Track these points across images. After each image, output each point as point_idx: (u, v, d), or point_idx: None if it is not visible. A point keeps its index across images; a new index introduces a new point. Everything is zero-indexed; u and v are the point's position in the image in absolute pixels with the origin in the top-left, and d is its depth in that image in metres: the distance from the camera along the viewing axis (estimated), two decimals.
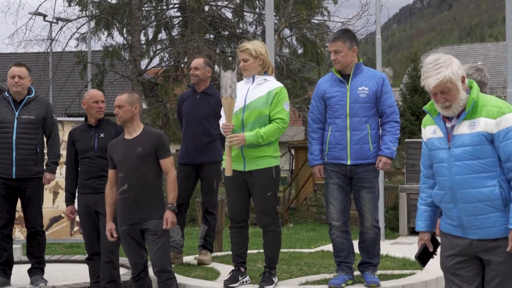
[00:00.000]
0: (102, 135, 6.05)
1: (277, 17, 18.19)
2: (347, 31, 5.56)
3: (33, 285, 6.40)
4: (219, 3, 21.17)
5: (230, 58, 20.71)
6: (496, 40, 51.59)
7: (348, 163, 5.32)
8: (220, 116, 5.68)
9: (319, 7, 20.59)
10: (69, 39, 20.26)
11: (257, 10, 21.46)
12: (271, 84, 5.35)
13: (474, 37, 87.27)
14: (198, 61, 6.37)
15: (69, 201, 6.31)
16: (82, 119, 7.11)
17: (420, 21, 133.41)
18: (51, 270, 7.56)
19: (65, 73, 19.76)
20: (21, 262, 7.83)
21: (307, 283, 5.56)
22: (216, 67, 17.34)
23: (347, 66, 5.25)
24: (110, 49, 20.34)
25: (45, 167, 6.64)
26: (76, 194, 6.46)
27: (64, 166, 8.55)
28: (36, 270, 6.56)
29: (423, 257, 3.95)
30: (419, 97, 18.59)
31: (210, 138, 6.10)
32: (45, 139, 6.77)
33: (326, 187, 5.63)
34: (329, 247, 6.79)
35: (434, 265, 6.72)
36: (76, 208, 6.54)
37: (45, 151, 6.73)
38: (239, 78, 5.54)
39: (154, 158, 5.38)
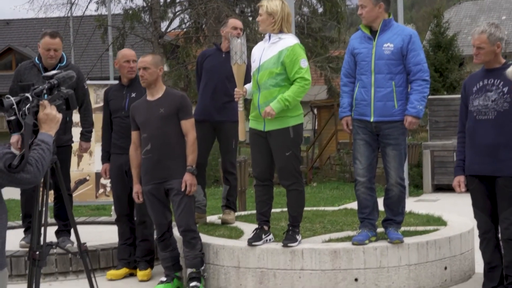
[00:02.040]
0: (133, 95, 6.12)
1: None
2: None
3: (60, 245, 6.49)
4: None
5: (250, 18, 20.75)
6: None
7: (371, 119, 5.35)
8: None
9: None
10: (89, 3, 20.77)
11: None
12: (284, 42, 5.38)
13: None
14: None
15: (104, 159, 6.46)
16: (104, 82, 7.16)
17: None
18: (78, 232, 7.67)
19: (86, 37, 20.15)
20: (48, 224, 7.97)
21: (330, 240, 5.65)
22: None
23: (374, 21, 5.25)
24: (130, 11, 20.73)
25: (80, 136, 6.73)
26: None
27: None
28: (63, 232, 6.75)
29: None
30: (442, 53, 18.45)
31: (229, 98, 6.12)
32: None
33: (353, 143, 5.69)
34: (353, 205, 6.84)
35: (458, 221, 6.82)
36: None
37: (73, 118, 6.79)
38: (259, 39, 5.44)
39: (176, 119, 5.53)
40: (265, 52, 5.38)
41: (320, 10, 21.75)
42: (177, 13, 22.16)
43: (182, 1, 22.38)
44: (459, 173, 5.24)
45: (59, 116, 3.14)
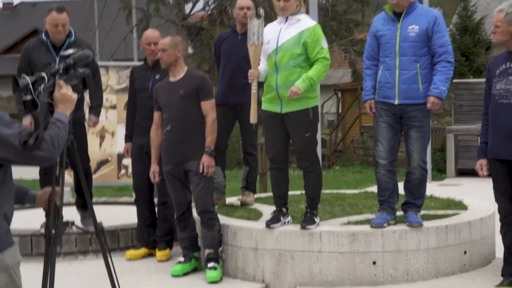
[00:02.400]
0: (157, 76, 6.23)
1: None
2: None
3: (81, 221, 6.64)
4: None
5: None
6: None
7: (396, 102, 5.40)
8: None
9: None
10: None
11: None
12: (303, 23, 5.41)
13: None
14: None
15: (127, 138, 6.58)
16: (126, 63, 7.24)
17: None
18: (99, 212, 7.78)
19: (110, 18, 20.51)
20: (69, 204, 8.04)
21: (349, 223, 5.70)
22: (260, 10, 17.30)
23: (401, 4, 5.31)
24: None
25: (88, 109, 6.71)
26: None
27: (110, 111, 8.80)
28: (86, 208, 6.71)
29: None
30: (469, 37, 18.50)
31: (248, 80, 6.19)
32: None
33: (376, 126, 5.73)
34: (373, 189, 6.93)
35: (478, 206, 6.83)
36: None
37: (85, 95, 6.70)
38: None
39: (197, 100, 5.65)
40: (283, 33, 5.40)
41: None
42: None
43: None
44: (481, 156, 5.29)
45: (75, 96, 3.14)
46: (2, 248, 2.91)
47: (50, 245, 3.58)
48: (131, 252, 6.50)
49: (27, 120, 5.98)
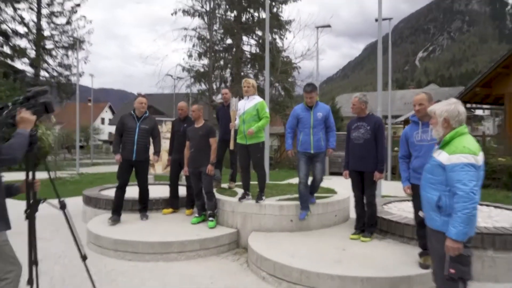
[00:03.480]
0: (185, 125, 8.88)
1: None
2: (313, 84, 7.49)
3: (141, 219, 8.90)
4: None
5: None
6: None
7: (312, 151, 7.19)
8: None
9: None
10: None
11: None
12: (256, 100, 7.78)
13: None
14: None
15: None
16: (168, 119, 10.21)
17: None
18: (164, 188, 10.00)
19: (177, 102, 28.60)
20: (154, 184, 10.72)
21: (280, 200, 8.13)
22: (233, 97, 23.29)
23: (312, 103, 7.34)
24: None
25: (153, 153, 8.80)
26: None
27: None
28: (143, 211, 9.08)
29: None
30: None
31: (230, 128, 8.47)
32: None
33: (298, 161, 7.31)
34: (292, 181, 8.11)
35: (342, 192, 9.15)
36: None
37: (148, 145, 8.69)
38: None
39: (207, 137, 8.09)
40: (247, 104, 7.76)
41: (282, 93, 34.81)
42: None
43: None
44: (345, 168, 7.19)
45: (33, 117, 3.39)
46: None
47: (30, 220, 3.87)
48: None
49: None
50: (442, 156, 3.98)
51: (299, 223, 7.85)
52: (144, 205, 8.92)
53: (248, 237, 7.57)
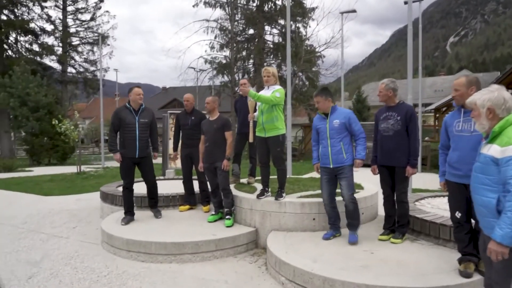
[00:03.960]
0: (193, 117, 8.65)
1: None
2: (325, 88, 6.96)
3: (156, 217, 8.75)
4: None
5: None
6: None
7: (331, 166, 6.74)
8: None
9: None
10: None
11: None
12: (275, 88, 7.43)
13: None
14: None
15: (174, 150, 8.93)
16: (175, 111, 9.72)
17: None
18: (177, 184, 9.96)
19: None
20: (173, 179, 10.50)
21: (301, 197, 7.66)
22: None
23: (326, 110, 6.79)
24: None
25: (152, 149, 8.56)
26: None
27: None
28: (155, 207, 8.93)
29: None
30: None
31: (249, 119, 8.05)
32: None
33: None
34: (317, 174, 7.52)
35: (369, 187, 8.67)
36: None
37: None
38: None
39: (222, 130, 7.83)
40: (266, 94, 7.37)
41: (306, 82, 35.49)
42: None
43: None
44: (374, 163, 6.83)
45: None
46: None
47: None
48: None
49: None
50: (493, 150, 3.63)
51: (321, 222, 7.41)
52: (154, 200, 8.81)
53: (267, 237, 7.22)
